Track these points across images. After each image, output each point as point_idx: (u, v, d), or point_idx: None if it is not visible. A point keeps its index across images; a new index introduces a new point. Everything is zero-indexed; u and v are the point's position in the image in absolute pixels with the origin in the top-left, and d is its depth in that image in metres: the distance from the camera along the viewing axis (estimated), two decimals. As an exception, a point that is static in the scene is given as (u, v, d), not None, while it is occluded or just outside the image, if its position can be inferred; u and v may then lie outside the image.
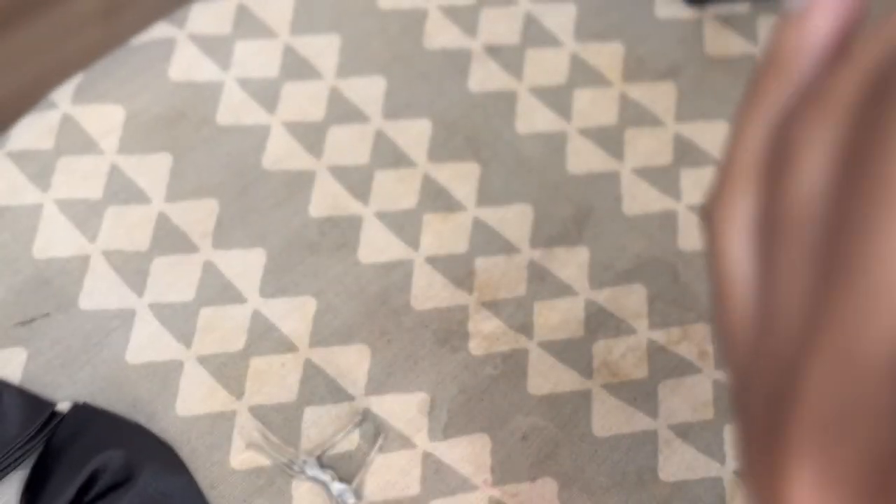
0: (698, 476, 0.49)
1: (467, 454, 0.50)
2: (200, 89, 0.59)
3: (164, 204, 0.56)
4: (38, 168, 0.56)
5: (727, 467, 0.49)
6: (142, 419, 0.50)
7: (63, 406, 0.50)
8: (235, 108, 0.58)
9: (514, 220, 0.56)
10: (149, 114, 0.58)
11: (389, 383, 0.51)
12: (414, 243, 0.55)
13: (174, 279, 0.54)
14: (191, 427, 0.50)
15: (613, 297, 0.53)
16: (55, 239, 0.54)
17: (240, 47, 0.60)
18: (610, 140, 0.58)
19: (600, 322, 0.53)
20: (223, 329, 0.53)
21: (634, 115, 0.59)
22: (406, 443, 0.50)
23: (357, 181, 0.57)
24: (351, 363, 0.52)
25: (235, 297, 0.53)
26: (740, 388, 0.20)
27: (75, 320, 0.53)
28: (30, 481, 0.47)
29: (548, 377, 0.52)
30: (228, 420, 0.50)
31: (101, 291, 0.53)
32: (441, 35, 0.61)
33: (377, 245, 0.55)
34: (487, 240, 0.55)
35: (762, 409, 0.19)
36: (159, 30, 0.60)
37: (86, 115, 0.58)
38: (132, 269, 0.54)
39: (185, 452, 0.50)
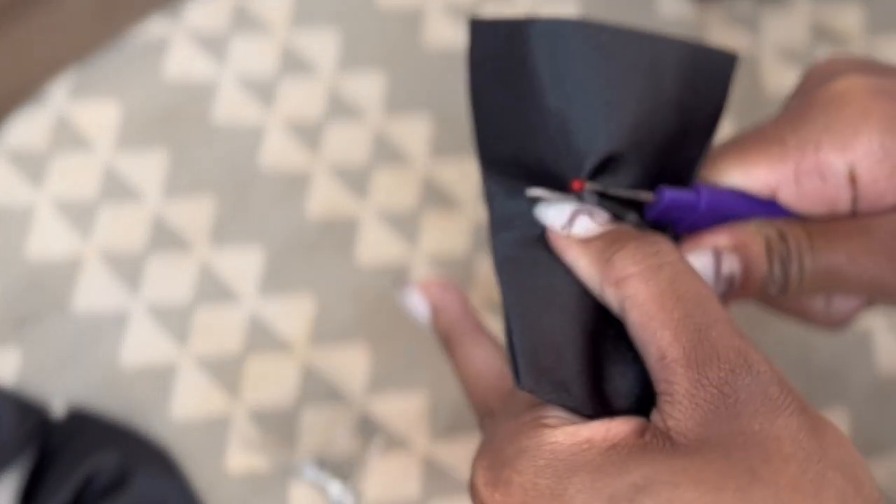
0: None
1: (467, 455, 0.49)
2: (196, 86, 0.58)
3: (159, 203, 0.55)
4: (32, 166, 0.56)
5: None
6: (137, 421, 0.50)
7: (56, 409, 0.50)
8: (232, 106, 0.58)
9: (514, 219, 0.55)
10: (144, 111, 0.57)
11: (389, 384, 0.51)
12: (414, 243, 0.54)
13: (170, 279, 0.53)
14: (187, 429, 0.50)
15: (615, 297, 0.53)
16: (49, 238, 0.54)
17: (236, 44, 0.60)
18: (611, 138, 0.57)
19: (602, 322, 0.52)
20: (220, 330, 0.52)
21: (636, 112, 0.58)
22: (405, 444, 0.50)
23: (356, 180, 0.56)
24: (350, 364, 0.51)
25: (232, 298, 0.53)
26: None
27: (69, 321, 0.52)
28: (24, 487, 0.47)
29: (549, 378, 0.51)
30: (225, 422, 0.50)
31: (95, 292, 0.53)
32: (440, 32, 0.60)
33: (376, 245, 0.54)
34: (488, 239, 0.54)
35: None
36: (155, 25, 0.60)
37: (80, 111, 0.57)
38: (127, 269, 0.53)
39: (180, 455, 0.49)
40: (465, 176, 0.56)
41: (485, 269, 0.54)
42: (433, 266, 0.54)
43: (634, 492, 0.25)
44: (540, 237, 0.32)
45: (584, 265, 0.31)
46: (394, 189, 0.56)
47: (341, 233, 0.54)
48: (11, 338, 0.51)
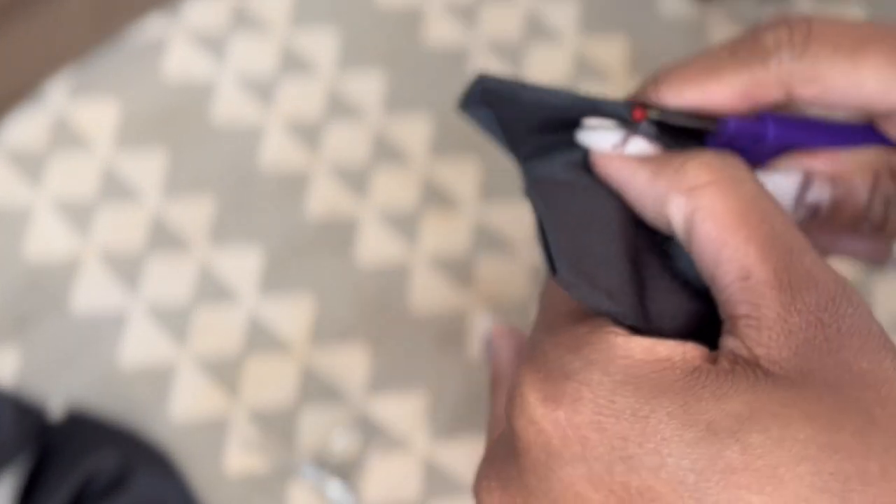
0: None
1: (467, 455, 0.49)
2: (196, 85, 0.58)
3: (159, 203, 0.55)
4: (31, 166, 0.55)
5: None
6: (136, 422, 0.49)
7: (55, 410, 0.49)
8: (231, 106, 0.58)
9: (515, 218, 0.55)
10: (143, 110, 0.57)
11: (389, 384, 0.51)
12: (413, 242, 0.54)
13: (169, 279, 0.53)
14: (186, 430, 0.50)
15: (616, 296, 0.53)
16: (48, 238, 0.54)
17: (236, 43, 0.59)
18: (611, 138, 0.57)
19: (602, 322, 0.52)
20: (219, 330, 0.52)
21: (636, 112, 0.58)
22: (405, 444, 0.49)
23: (355, 180, 0.56)
24: (349, 364, 0.51)
25: (232, 298, 0.53)
26: None
27: (68, 321, 0.52)
28: (23, 487, 0.47)
29: (549, 378, 0.51)
30: (224, 422, 0.50)
31: (94, 292, 0.52)
32: (441, 31, 0.60)
33: (376, 244, 0.54)
34: (488, 239, 0.54)
35: None
36: (154, 25, 0.60)
37: (79, 111, 0.57)
38: (126, 269, 0.53)
39: (180, 455, 0.49)
40: (464, 176, 0.56)
41: (485, 269, 0.54)
42: (433, 266, 0.54)
43: (737, 422, 0.22)
44: (579, 164, 0.28)
45: (642, 179, 0.27)
46: (393, 189, 0.56)
47: (341, 233, 0.54)
48: (11, 338, 0.51)
